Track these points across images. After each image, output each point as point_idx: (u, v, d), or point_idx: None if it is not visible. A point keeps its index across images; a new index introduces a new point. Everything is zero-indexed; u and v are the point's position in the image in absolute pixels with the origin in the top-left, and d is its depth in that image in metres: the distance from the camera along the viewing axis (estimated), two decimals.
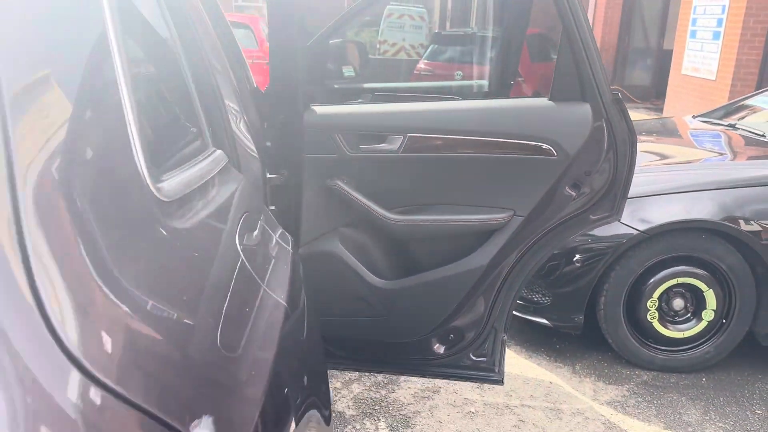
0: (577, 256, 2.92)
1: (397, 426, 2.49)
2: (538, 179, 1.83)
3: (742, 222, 2.81)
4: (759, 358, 3.05)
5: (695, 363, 2.96)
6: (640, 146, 3.64)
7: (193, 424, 0.60)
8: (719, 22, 8.70)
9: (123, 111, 0.72)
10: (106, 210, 0.63)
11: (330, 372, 2.60)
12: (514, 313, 3.10)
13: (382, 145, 1.89)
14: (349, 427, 2.44)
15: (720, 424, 2.59)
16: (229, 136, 1.37)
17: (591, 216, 1.97)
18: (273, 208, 1.82)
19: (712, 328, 2.95)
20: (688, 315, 2.96)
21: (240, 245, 0.95)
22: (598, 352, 3.09)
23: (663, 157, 3.65)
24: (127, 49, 0.77)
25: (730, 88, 8.39)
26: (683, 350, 2.97)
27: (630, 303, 2.94)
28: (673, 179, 3.01)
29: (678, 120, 4.62)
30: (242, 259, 0.92)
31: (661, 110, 10.65)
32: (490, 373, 2.15)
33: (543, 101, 1.87)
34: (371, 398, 2.65)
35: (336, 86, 3.08)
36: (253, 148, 1.64)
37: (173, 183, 0.82)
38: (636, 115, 9.02)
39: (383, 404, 2.62)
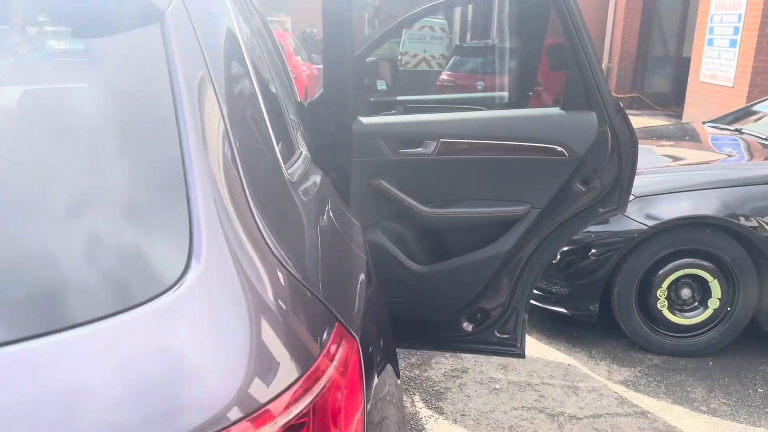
0: (593, 251, 3.21)
1: (431, 399, 2.80)
2: (553, 176, 2.15)
3: (743, 218, 3.08)
4: (762, 343, 3.30)
5: (702, 348, 3.22)
6: (654, 149, 3.94)
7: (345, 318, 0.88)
8: (736, 30, 8.91)
9: (265, 120, 1.05)
10: (265, 181, 0.94)
11: None
12: (536, 303, 3.40)
13: (419, 150, 2.22)
14: None
15: (723, 401, 2.85)
16: (300, 142, 1.71)
17: (600, 209, 2.27)
18: None
19: (717, 316, 3.21)
20: (695, 303, 3.23)
21: (333, 216, 1.28)
22: (612, 339, 3.36)
23: (673, 159, 3.93)
24: (255, 73, 1.11)
25: (747, 95, 8.58)
26: (691, 336, 3.24)
27: (641, 293, 3.22)
28: (681, 179, 3.29)
29: (688, 126, 4.89)
30: (337, 226, 1.25)
31: (680, 117, 10.84)
32: (512, 348, 2.45)
33: (556, 110, 2.18)
34: (407, 377, 2.97)
35: (371, 99, 3.42)
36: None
37: (290, 170, 1.15)
38: (651, 121, 9.24)
39: (417, 381, 2.93)
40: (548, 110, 2.27)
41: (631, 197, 3.12)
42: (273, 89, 1.48)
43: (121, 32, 0.83)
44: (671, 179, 3.31)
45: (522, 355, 2.47)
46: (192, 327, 0.67)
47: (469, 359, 3.17)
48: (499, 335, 2.46)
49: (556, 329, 3.49)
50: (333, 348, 0.77)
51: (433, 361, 3.12)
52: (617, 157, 2.15)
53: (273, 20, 19.02)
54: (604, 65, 13.89)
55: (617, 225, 3.16)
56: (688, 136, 4.52)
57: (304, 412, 0.69)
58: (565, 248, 3.26)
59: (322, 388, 0.72)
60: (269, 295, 0.75)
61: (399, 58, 12.92)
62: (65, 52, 0.87)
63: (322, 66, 2.24)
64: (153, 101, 0.79)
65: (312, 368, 0.72)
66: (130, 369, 0.63)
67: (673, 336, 3.25)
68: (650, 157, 3.72)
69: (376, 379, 0.95)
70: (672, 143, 4.28)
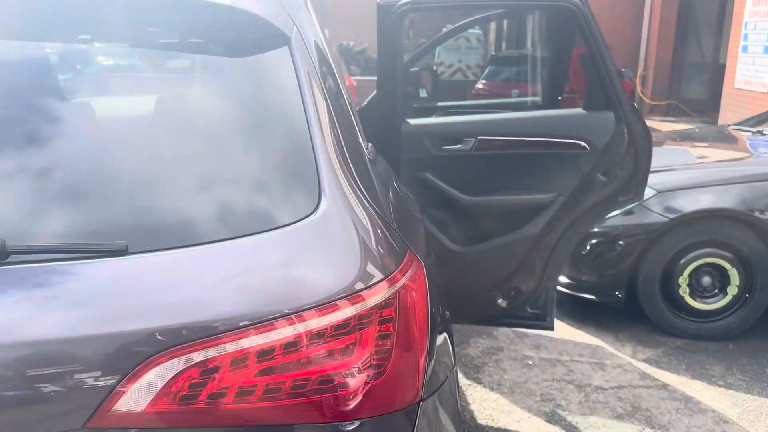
0: (619, 242, 3.50)
1: (469, 372, 3.13)
2: (576, 168, 2.47)
3: (758, 212, 3.34)
4: None
5: (722, 332, 3.47)
6: (679, 149, 4.20)
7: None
8: None
9: (350, 112, 1.41)
10: (355, 153, 1.29)
11: None
12: (566, 290, 3.70)
13: (459, 146, 2.56)
14: None
15: (740, 377, 3.10)
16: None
17: (620, 197, 2.58)
18: None
19: (736, 302, 3.46)
20: (715, 290, 3.49)
21: (397, 186, 1.63)
22: (637, 323, 3.63)
23: (698, 157, 4.18)
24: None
25: None
26: (712, 321, 3.49)
27: (664, 280, 3.49)
28: (701, 176, 3.56)
29: (714, 128, 5.12)
30: (400, 193, 1.61)
31: (716, 123, 10.93)
32: (543, 321, 2.76)
33: (579, 111, 2.51)
34: None
35: (414, 105, 3.78)
36: None
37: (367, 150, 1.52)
38: (682, 125, 9.38)
39: (457, 357, 3.26)
40: (572, 111, 2.59)
41: (654, 192, 3.44)
42: (345, 91, 1.86)
43: (262, 51, 1.20)
44: (692, 176, 3.58)
45: (551, 328, 2.78)
46: (322, 235, 1.03)
47: (503, 339, 3.49)
48: (530, 311, 2.78)
49: (586, 315, 3.77)
50: (407, 264, 1.12)
51: (471, 340, 3.45)
52: (633, 151, 2.46)
53: None
54: (639, 72, 14.01)
55: (642, 218, 3.45)
56: (713, 137, 4.77)
57: (389, 300, 1.04)
58: (594, 240, 3.55)
59: (399, 287, 1.07)
60: (365, 222, 1.10)
61: (435, 68, 13.26)
62: (223, 65, 1.24)
63: (361, 77, 2.61)
64: (291, 98, 1.15)
65: (392, 274, 1.07)
66: (290, 255, 1.00)
67: (694, 321, 3.50)
68: (674, 155, 4.00)
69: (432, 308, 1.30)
70: (696, 143, 4.54)
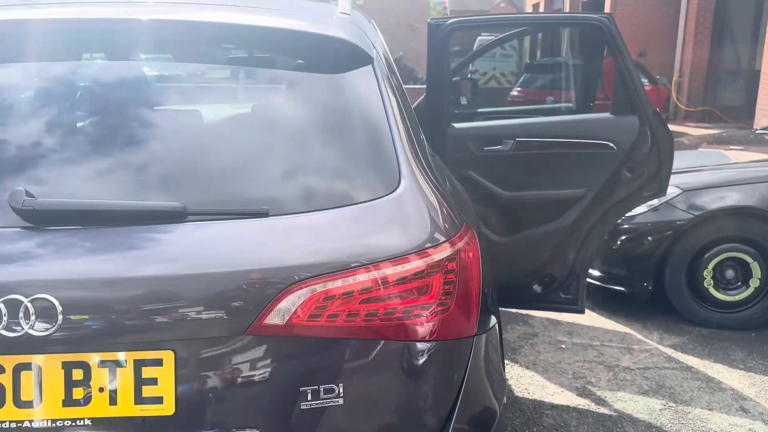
0: (648, 237, 3.78)
1: (506, 353, 3.44)
2: (605, 166, 2.77)
3: None
4: None
5: (745, 322, 3.71)
6: (715, 151, 4.45)
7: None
8: None
9: (412, 111, 1.76)
10: (421, 144, 1.62)
11: None
12: (597, 282, 3.98)
13: (499, 147, 2.88)
14: None
15: (760, 362, 3.35)
16: None
17: (645, 193, 2.87)
18: None
19: (758, 294, 3.70)
20: (738, 283, 3.73)
21: (450, 175, 1.97)
22: (664, 314, 3.89)
23: (727, 159, 4.42)
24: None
25: None
26: (735, 311, 3.73)
27: (690, 273, 3.75)
28: (726, 176, 3.82)
29: (743, 132, 5.34)
30: (454, 181, 1.95)
31: (750, 129, 10.98)
32: (574, 305, 3.06)
33: (607, 115, 2.82)
34: None
35: (456, 111, 4.12)
36: None
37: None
38: (716, 131, 9.50)
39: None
40: (601, 115, 2.90)
41: (679, 191, 3.72)
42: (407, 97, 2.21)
43: (353, 68, 1.55)
44: (716, 176, 3.84)
45: (582, 312, 3.07)
46: (402, 207, 1.37)
47: (538, 326, 3.78)
48: (563, 296, 3.08)
49: (616, 305, 4.05)
50: (464, 232, 1.45)
51: (508, 326, 3.76)
52: (657, 151, 2.75)
53: None
54: (674, 79, 14.10)
55: (668, 215, 3.72)
56: (741, 140, 4.99)
57: (451, 257, 1.37)
58: (624, 236, 3.84)
59: (458, 248, 1.40)
60: (432, 199, 1.44)
61: (469, 75, 13.55)
62: (324, 78, 1.58)
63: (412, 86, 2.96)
64: (375, 103, 1.50)
65: (453, 238, 1.39)
66: (380, 221, 1.35)
67: (718, 311, 3.75)
68: (705, 157, 4.25)
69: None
70: (728, 147, 4.78)
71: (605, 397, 3.01)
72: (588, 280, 3.79)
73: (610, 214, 2.92)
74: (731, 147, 4.73)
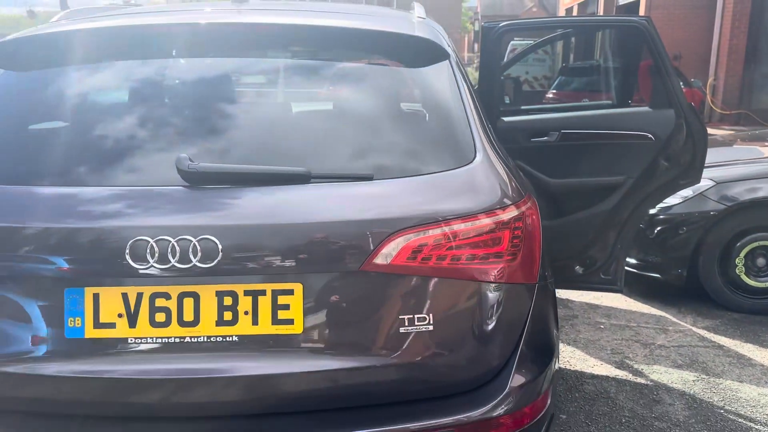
0: (683, 228, 4.01)
1: None
2: (643, 155, 3.03)
3: None
4: None
5: None
6: (749, 147, 4.66)
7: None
8: None
9: (477, 96, 2.07)
10: (489, 127, 1.92)
11: None
12: (634, 270, 4.23)
13: (545, 138, 3.16)
14: None
15: None
16: None
17: (680, 181, 3.13)
18: None
19: None
20: None
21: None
22: (698, 300, 4.12)
23: (756, 154, 4.63)
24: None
25: None
26: (765, 297, 3.95)
27: (722, 261, 3.98)
28: (756, 169, 4.04)
29: None
30: (516, 162, 2.25)
31: None
32: (613, 285, 3.32)
33: (646, 109, 3.08)
34: None
35: (501, 109, 4.41)
36: None
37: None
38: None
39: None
40: (640, 108, 3.16)
41: (713, 183, 3.95)
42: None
43: (435, 62, 1.87)
44: (748, 169, 4.07)
45: (621, 291, 3.33)
46: (477, 176, 1.67)
47: (578, 309, 4.05)
48: (603, 276, 3.34)
49: (652, 291, 4.29)
50: (527, 199, 1.75)
51: None
52: (692, 142, 3.01)
53: None
54: (709, 82, 14.14)
55: (702, 206, 3.96)
56: None
57: (517, 217, 1.67)
58: (660, 226, 4.08)
59: (523, 211, 1.69)
60: (501, 171, 1.74)
61: (502, 79, 13.68)
62: (413, 72, 1.90)
63: None
64: (453, 91, 1.80)
65: (518, 202, 1.69)
66: (461, 186, 1.65)
67: (750, 297, 3.97)
68: (733, 152, 4.47)
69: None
70: (759, 143, 4.97)
71: (642, 369, 3.27)
72: (626, 268, 4.05)
73: (648, 201, 3.17)
74: (765, 143, 4.93)
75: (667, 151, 3.04)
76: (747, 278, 3.96)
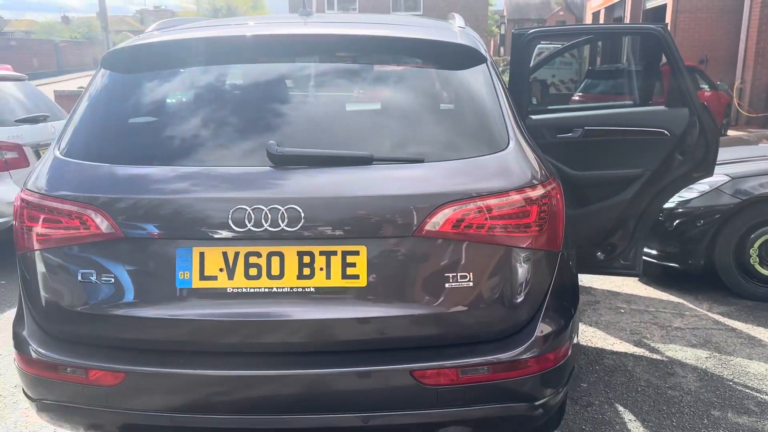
0: (700, 220, 4.28)
1: None
2: (659, 149, 3.32)
3: None
4: None
5: None
6: (760, 146, 4.89)
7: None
8: None
9: (511, 98, 2.39)
10: (520, 120, 2.24)
11: None
12: (654, 261, 4.50)
13: (569, 134, 3.47)
14: None
15: None
16: None
17: (694, 174, 3.41)
18: None
19: None
20: None
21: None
22: (714, 288, 4.38)
23: None
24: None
25: None
26: None
27: (737, 251, 4.23)
28: None
29: None
30: (542, 153, 2.58)
31: None
32: (632, 270, 3.61)
33: (662, 108, 3.38)
34: None
35: (528, 109, 4.72)
36: None
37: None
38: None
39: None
40: (657, 108, 3.46)
41: (728, 178, 4.22)
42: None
43: (474, 65, 2.20)
44: (763, 165, 4.32)
45: (639, 275, 3.62)
46: (509, 160, 2.00)
47: (600, 295, 4.34)
48: (623, 262, 3.63)
49: (670, 280, 4.56)
50: (552, 180, 2.07)
51: None
52: (704, 137, 3.29)
53: None
54: (736, 85, 14.22)
55: (718, 200, 4.22)
56: None
57: (544, 195, 1.99)
58: (678, 219, 4.35)
59: (549, 190, 2.02)
60: (530, 157, 2.06)
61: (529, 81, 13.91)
62: (456, 74, 2.24)
63: None
64: (490, 89, 2.14)
65: (544, 183, 2.01)
66: (495, 168, 1.98)
67: (763, 285, 4.22)
68: (754, 150, 4.72)
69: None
70: None
71: (658, 347, 3.55)
72: (645, 258, 4.33)
73: (664, 192, 3.46)
74: None
75: (682, 146, 3.33)
76: (760, 268, 4.21)
